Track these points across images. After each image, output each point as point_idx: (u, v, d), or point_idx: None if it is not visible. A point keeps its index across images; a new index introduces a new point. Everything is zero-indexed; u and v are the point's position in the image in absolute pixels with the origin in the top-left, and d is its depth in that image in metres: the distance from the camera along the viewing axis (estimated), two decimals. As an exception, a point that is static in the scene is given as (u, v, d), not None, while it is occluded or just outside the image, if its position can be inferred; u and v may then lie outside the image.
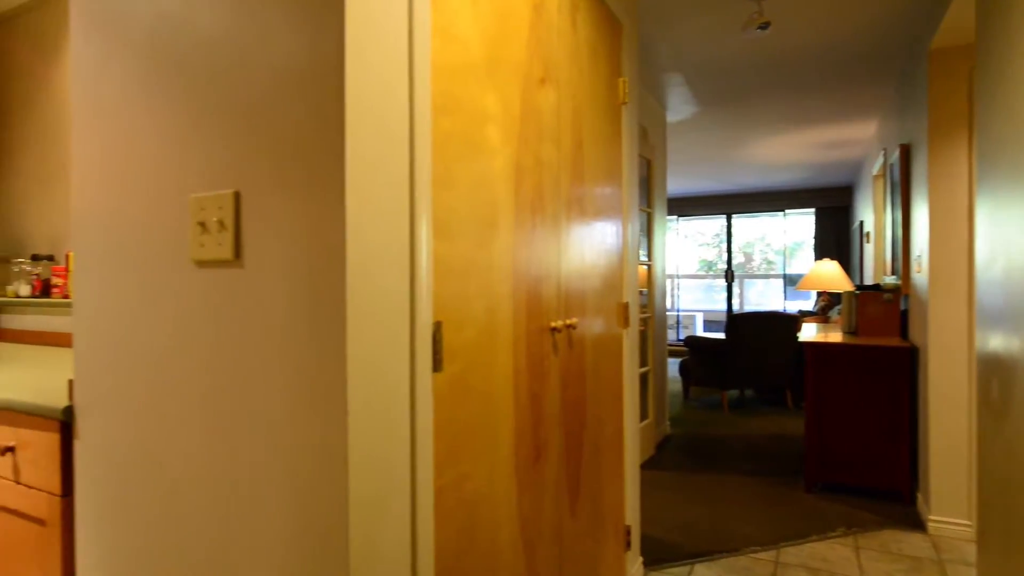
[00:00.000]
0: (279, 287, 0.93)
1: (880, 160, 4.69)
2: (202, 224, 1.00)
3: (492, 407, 1.26)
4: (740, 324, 5.28)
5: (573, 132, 1.69)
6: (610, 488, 1.97)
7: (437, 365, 1.07)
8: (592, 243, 1.83)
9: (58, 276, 2.50)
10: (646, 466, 3.82)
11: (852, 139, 5.63)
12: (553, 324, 1.54)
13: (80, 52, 1.21)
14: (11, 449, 1.34)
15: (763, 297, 10.41)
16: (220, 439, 1.00)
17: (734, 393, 6.24)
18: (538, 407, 1.47)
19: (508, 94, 1.34)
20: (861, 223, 6.70)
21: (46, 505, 1.28)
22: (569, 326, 1.63)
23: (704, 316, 10.59)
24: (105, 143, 1.17)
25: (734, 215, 9.71)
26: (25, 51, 2.82)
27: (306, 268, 0.90)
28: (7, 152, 2.91)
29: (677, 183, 8.45)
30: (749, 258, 10.87)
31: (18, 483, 1.34)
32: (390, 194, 0.96)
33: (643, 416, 3.98)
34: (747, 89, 4.15)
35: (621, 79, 2.11)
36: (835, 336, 3.50)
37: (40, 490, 1.29)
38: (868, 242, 5.91)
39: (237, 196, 0.97)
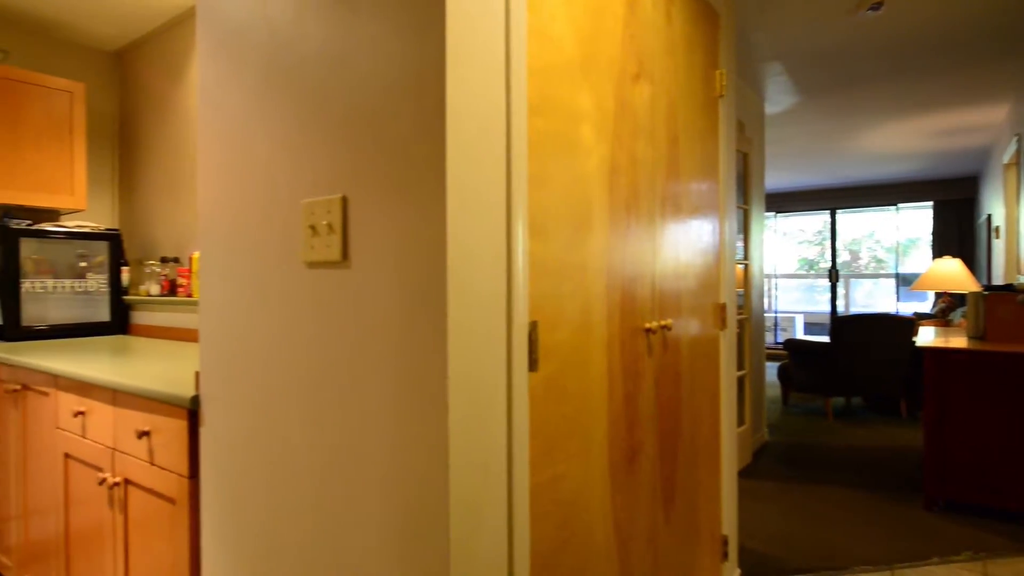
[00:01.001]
0: (383, 286, 0.97)
1: (1013, 147, 4.23)
2: (312, 227, 1.06)
3: (586, 408, 1.25)
4: (847, 327, 4.94)
5: (668, 128, 1.65)
6: (706, 495, 1.90)
7: (533, 365, 1.08)
8: (687, 242, 1.77)
9: (183, 277, 2.73)
10: (742, 474, 3.66)
11: (978, 125, 5.12)
12: (648, 325, 1.51)
13: (205, 72, 1.32)
14: (147, 433, 1.48)
15: (871, 298, 9.69)
16: (327, 432, 1.05)
17: (839, 400, 5.85)
18: (632, 409, 1.44)
19: (602, 92, 1.33)
20: (989, 217, 6.07)
21: (176, 485, 1.40)
22: (664, 327, 1.59)
23: (804, 318, 10.00)
24: (225, 154, 1.27)
25: (839, 210, 9.10)
26: (154, 73, 3.12)
27: (408, 268, 0.93)
28: (139, 166, 3.22)
29: (775, 178, 8.04)
30: (855, 256, 10.15)
31: (152, 464, 1.48)
32: (487, 195, 0.97)
33: (739, 422, 3.81)
34: (855, 75, 3.87)
35: (718, 71, 2.03)
36: (959, 341, 3.19)
37: (171, 471, 1.42)
38: (998, 237, 5.35)
39: (344, 200, 1.02)
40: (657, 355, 1.57)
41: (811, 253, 10.47)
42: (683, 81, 1.75)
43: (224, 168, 1.27)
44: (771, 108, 4.61)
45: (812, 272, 10.37)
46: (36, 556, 2.00)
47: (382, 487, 0.97)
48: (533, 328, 1.08)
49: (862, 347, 4.89)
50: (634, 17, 1.47)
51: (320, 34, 1.07)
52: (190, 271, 2.68)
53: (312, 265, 1.08)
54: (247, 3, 1.21)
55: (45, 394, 1.93)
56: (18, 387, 2.08)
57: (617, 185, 1.38)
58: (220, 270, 1.29)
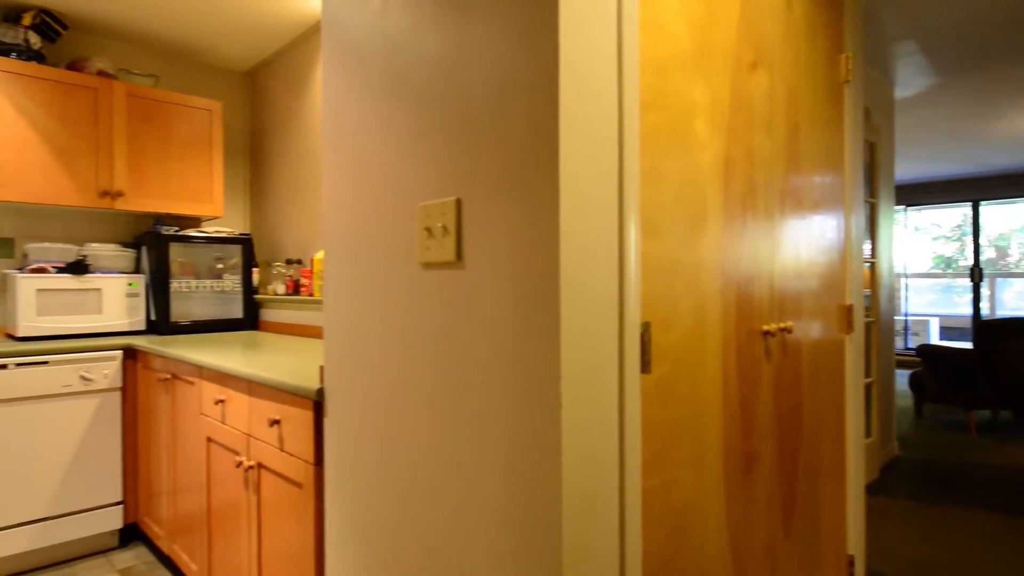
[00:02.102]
0: (496, 286, 0.98)
1: None
2: (428, 229, 1.10)
3: (700, 412, 1.21)
4: (994, 332, 4.42)
5: (788, 118, 1.55)
6: (829, 510, 1.77)
7: (645, 366, 1.05)
8: (809, 239, 1.66)
9: (305, 277, 2.94)
10: (869, 490, 3.38)
11: None
12: (766, 327, 1.42)
13: (328, 85, 1.41)
14: (277, 422, 1.61)
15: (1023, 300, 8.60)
16: (442, 426, 1.08)
17: (984, 414, 5.25)
18: (749, 415, 1.37)
19: (716, 83, 1.27)
20: None
21: (303, 471, 1.51)
22: (784, 330, 1.50)
23: (940, 321, 9.06)
24: (346, 161, 1.35)
25: (982, 202, 8.17)
26: (280, 89, 3.37)
27: (521, 268, 0.94)
28: (267, 175, 3.50)
29: (906, 168, 7.35)
30: (1003, 253, 9.05)
31: (282, 450, 1.59)
32: (599, 194, 0.96)
33: (866, 433, 3.52)
34: (999, 51, 3.45)
35: (843, 55, 1.88)
36: None
37: (298, 458, 1.52)
38: None
39: (458, 203, 1.05)
40: (776, 359, 1.48)
41: (948, 250, 9.46)
42: (804, 68, 1.64)
43: (345, 174, 1.35)
44: (901, 92, 4.22)
45: (949, 271, 9.37)
46: (183, 529, 2.22)
47: (496, 482, 0.98)
48: (646, 329, 1.05)
49: (1015, 355, 4.36)
50: (750, 3, 1.39)
51: (434, 41, 1.11)
52: (311, 272, 2.87)
53: (427, 266, 1.12)
54: (366, 18, 1.28)
55: (191, 383, 2.14)
56: (169, 376, 2.33)
57: (733, 180, 1.32)
58: (342, 271, 1.37)
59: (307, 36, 3.11)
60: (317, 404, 1.46)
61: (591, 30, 0.95)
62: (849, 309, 1.89)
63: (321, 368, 1.44)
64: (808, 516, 1.64)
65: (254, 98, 3.63)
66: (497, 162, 0.99)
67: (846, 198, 1.90)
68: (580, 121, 0.93)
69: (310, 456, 1.47)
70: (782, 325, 1.49)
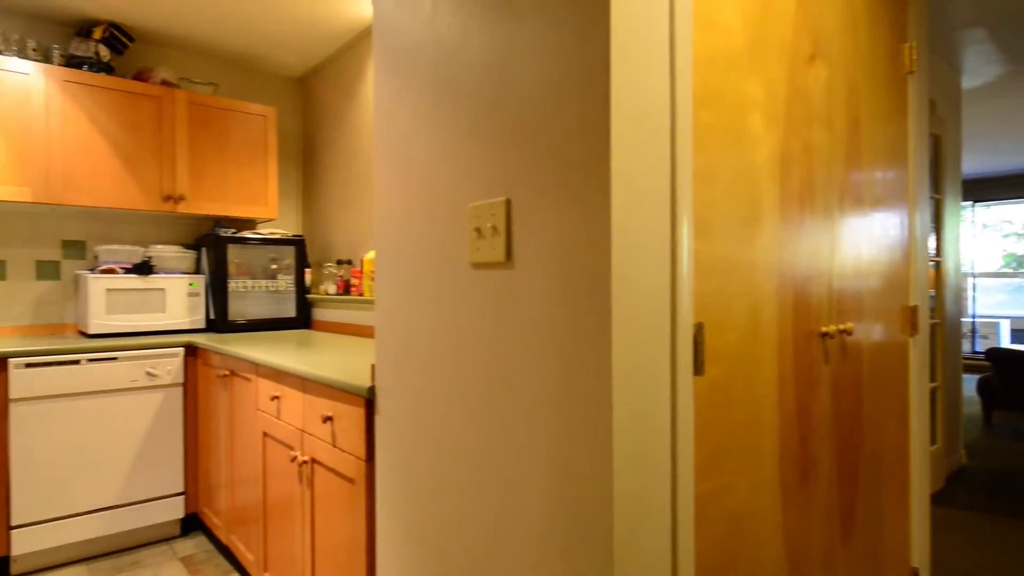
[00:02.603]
0: (546, 286, 0.98)
1: None
2: (478, 230, 1.11)
3: (755, 416, 1.17)
4: (1071, 335, 4.15)
5: (848, 111, 1.49)
6: (891, 520, 1.69)
7: (698, 368, 1.03)
8: (870, 237, 1.59)
9: (355, 277, 3.00)
10: (934, 500, 3.22)
11: None
12: (824, 329, 1.38)
13: (380, 89, 1.43)
14: (330, 418, 1.65)
15: (1105, 301, 8.04)
16: (491, 425, 1.09)
17: (1060, 422, 4.93)
18: (806, 420, 1.32)
19: (772, 77, 1.24)
20: None
21: (354, 467, 1.54)
22: (843, 331, 1.44)
23: (1011, 324, 8.56)
24: (397, 164, 1.37)
25: (1058, 197, 7.67)
26: (330, 94, 3.45)
27: (572, 268, 0.94)
28: (318, 177, 3.59)
29: (974, 162, 6.98)
30: (1082, 251, 8.48)
31: (335, 446, 1.63)
32: (652, 193, 0.95)
33: (931, 440, 3.36)
34: (1086, 34, 3.23)
35: (907, 45, 1.80)
36: None
37: (350, 454, 1.56)
38: None
39: (508, 203, 1.05)
40: (835, 362, 1.43)
41: (1020, 248, 8.93)
42: (865, 59, 1.58)
43: (396, 177, 1.37)
44: (969, 82, 4.01)
45: (1021, 270, 8.85)
46: (240, 520, 2.31)
47: (546, 482, 0.98)
48: (699, 329, 1.03)
49: (1094, 360, 4.08)
50: (808, -7, 1.35)
51: (484, 43, 1.11)
52: (361, 272, 2.93)
53: (477, 266, 1.12)
54: (417, 21, 1.29)
55: (248, 380, 2.22)
56: (227, 372, 2.42)
57: (789, 177, 1.28)
58: (393, 271, 1.39)
59: (356, 42, 3.18)
60: (368, 402, 1.49)
61: (643, 27, 0.93)
62: (913, 310, 1.81)
63: (372, 366, 1.47)
64: (869, 526, 1.57)
65: (306, 103, 3.73)
66: (547, 161, 0.98)
67: (910, 194, 1.82)
68: (632, 119, 0.91)
69: (362, 452, 1.50)
70: (841, 327, 1.43)
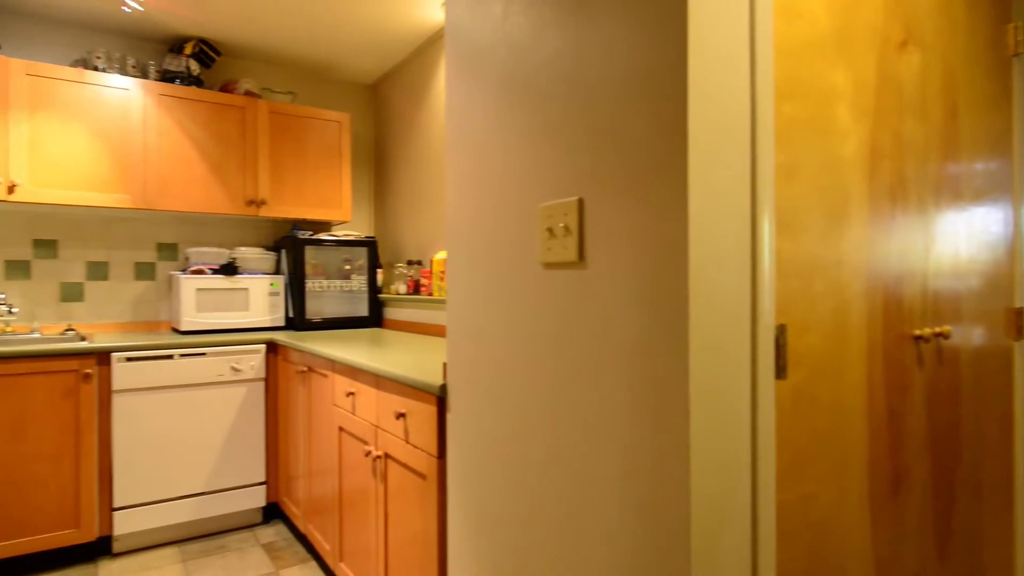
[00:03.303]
0: (620, 286, 0.97)
1: None
2: (549, 230, 1.11)
3: (841, 423, 1.12)
4: None
5: (944, 99, 1.39)
6: (993, 537, 1.57)
7: (780, 371, 0.99)
8: (970, 233, 1.48)
9: (425, 278, 3.06)
10: (1038, 519, 2.96)
11: None
12: (918, 332, 1.29)
13: (452, 92, 1.46)
14: (403, 415, 1.69)
15: None
16: (561, 427, 1.09)
17: None
18: (897, 428, 1.25)
19: (860, 66, 1.17)
20: None
21: (426, 462, 1.57)
22: (939, 335, 1.35)
23: None
24: (468, 166, 1.38)
25: None
26: (401, 99, 3.54)
27: (647, 268, 0.92)
28: (389, 180, 3.69)
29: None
30: None
31: (407, 442, 1.67)
32: (731, 190, 0.92)
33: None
34: None
35: (1011, 25, 1.66)
36: None
37: (422, 450, 1.59)
38: None
39: (581, 203, 1.05)
40: (930, 367, 1.34)
41: None
42: (963, 42, 1.47)
43: (467, 178, 1.39)
44: (1082, 63, 3.65)
45: None
46: (317, 510, 2.40)
47: (619, 487, 0.97)
48: (781, 332, 0.99)
49: None
50: (900, -25, 1.27)
51: (555, 43, 1.11)
52: (431, 272, 2.99)
53: (549, 266, 1.12)
54: (488, 24, 1.31)
55: (325, 376, 2.31)
56: (305, 369, 2.52)
57: (879, 170, 1.21)
58: (464, 271, 1.41)
59: (426, 47, 3.25)
60: (440, 399, 1.51)
61: (722, 18, 0.91)
62: (1018, 312, 1.67)
63: (444, 365, 1.50)
64: (967, 543, 1.46)
65: (378, 108, 3.85)
66: (621, 160, 0.97)
67: (1014, 187, 1.68)
68: (710, 114, 0.89)
69: (433, 449, 1.53)
70: (937, 329, 1.34)
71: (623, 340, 0.96)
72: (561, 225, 1.08)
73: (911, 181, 1.29)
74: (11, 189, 2.58)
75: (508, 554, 1.23)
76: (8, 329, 2.82)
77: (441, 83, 3.14)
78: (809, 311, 1.05)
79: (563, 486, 1.08)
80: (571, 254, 1.05)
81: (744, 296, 0.93)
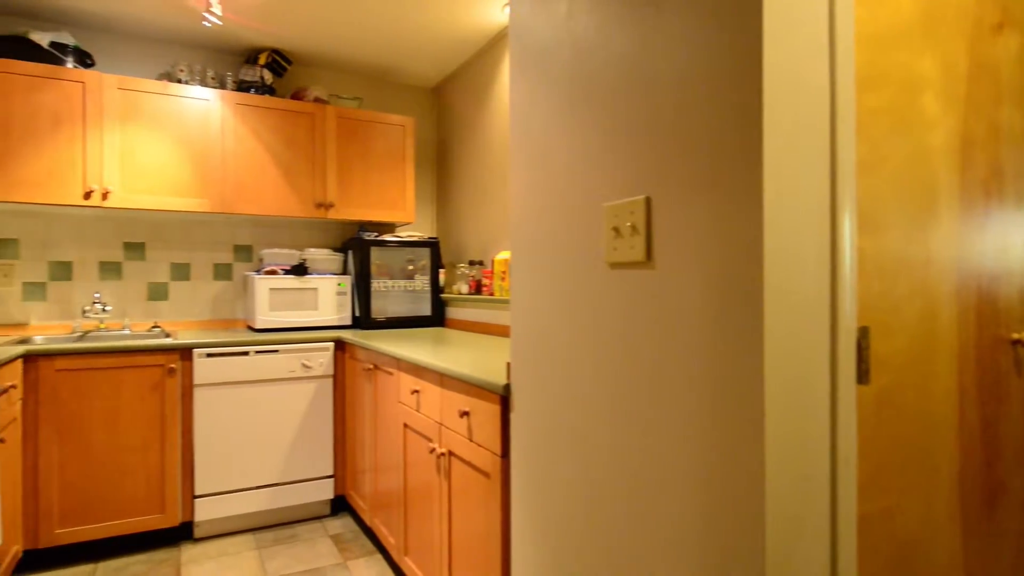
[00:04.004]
0: (690, 286, 0.94)
1: None
2: (616, 229, 1.09)
3: (929, 432, 1.05)
4: None
5: (1045, 85, 1.29)
6: (1103, 563, 1.44)
7: (862, 376, 0.94)
8: (1075, 229, 1.36)
9: (486, 278, 3.09)
10: None
11: None
12: (1016, 335, 1.20)
13: (515, 93, 1.46)
14: (467, 413, 1.71)
15: None
16: (626, 430, 1.07)
17: None
18: (992, 438, 1.16)
19: (950, 52, 1.10)
20: None
21: (490, 461, 1.58)
22: (1039, 339, 1.25)
23: None
24: (532, 166, 1.39)
25: None
26: (463, 102, 3.58)
27: (719, 268, 0.89)
28: (451, 182, 3.74)
29: None
30: None
31: (471, 440, 1.69)
32: (808, 186, 0.88)
33: None
34: None
35: (1124, 0, 1.52)
36: None
37: (486, 448, 1.61)
38: None
39: (648, 201, 1.03)
40: (1029, 374, 1.24)
41: None
42: (1069, 21, 1.35)
43: (531, 178, 1.39)
44: None
45: None
46: (382, 504, 2.46)
47: (688, 493, 0.95)
48: (862, 334, 0.94)
49: None
50: (996, -47, 1.18)
51: (621, 40, 1.09)
52: (492, 272, 3.01)
53: (615, 266, 1.11)
54: (552, 23, 1.30)
55: (390, 373, 2.37)
56: (371, 366, 2.59)
57: (971, 162, 1.13)
58: (528, 271, 1.41)
59: (488, 48, 3.27)
60: (504, 399, 1.52)
61: (799, 7, 0.87)
62: None
63: (508, 364, 1.50)
64: (1073, 566, 1.35)
65: (440, 111, 3.91)
66: (690, 157, 0.95)
67: None
68: (786, 107, 0.85)
69: (497, 448, 1.54)
70: (1038, 333, 1.24)
71: (693, 342, 0.94)
72: (628, 224, 1.06)
73: (1008, 173, 1.20)
74: (105, 196, 2.77)
75: (572, 557, 1.23)
76: (102, 326, 3.04)
77: (502, 84, 3.16)
78: (893, 313, 0.99)
79: (630, 493, 1.07)
80: (638, 254, 1.04)
81: (823, 297, 0.89)
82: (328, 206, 3.28)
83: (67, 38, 2.81)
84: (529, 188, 1.40)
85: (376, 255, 3.33)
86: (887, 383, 0.98)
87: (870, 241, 0.96)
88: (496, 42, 3.19)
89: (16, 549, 2.29)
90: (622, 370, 1.09)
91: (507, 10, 2.85)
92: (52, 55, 2.73)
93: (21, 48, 2.66)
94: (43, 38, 2.73)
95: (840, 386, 0.90)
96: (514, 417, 1.46)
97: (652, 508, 1.02)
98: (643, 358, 1.04)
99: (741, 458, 0.85)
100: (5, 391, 2.02)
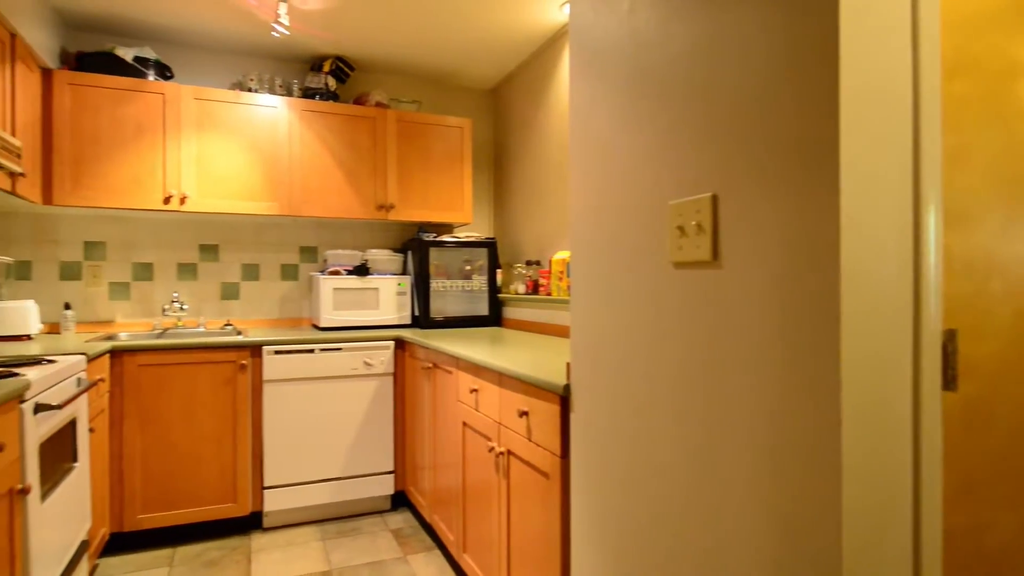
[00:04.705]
0: (759, 287, 0.91)
1: None
2: (680, 228, 1.07)
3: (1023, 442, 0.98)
4: None
5: None
6: None
7: (949, 382, 0.88)
8: None
9: (543, 278, 3.08)
10: None
11: None
12: (1125, 340, 1.10)
13: (575, 92, 1.45)
14: (526, 413, 1.71)
15: None
16: (691, 435, 1.04)
17: None
18: (1097, 452, 1.07)
19: (1049, 33, 1.02)
20: None
21: (549, 462, 1.58)
22: None
23: None
24: (593, 165, 1.37)
25: None
26: (520, 102, 3.59)
27: (791, 267, 0.86)
28: (508, 182, 3.76)
29: None
30: None
31: (530, 440, 1.69)
32: (890, 179, 0.83)
33: None
34: None
35: None
36: None
37: (545, 449, 1.60)
38: None
39: (715, 199, 1.00)
40: None
41: None
42: None
43: (592, 177, 1.38)
44: None
45: None
46: (441, 501, 2.50)
47: (757, 504, 0.91)
48: (949, 337, 0.88)
49: None
50: (1102, -76, 1.09)
51: (685, 34, 1.07)
52: (549, 272, 3.01)
53: (679, 265, 1.08)
54: (614, 20, 1.29)
55: (449, 372, 2.40)
56: (430, 365, 2.63)
57: (1073, 153, 1.04)
58: (588, 271, 1.40)
59: (544, 48, 3.27)
60: (563, 399, 1.52)
61: (879, -8, 0.82)
62: None
63: (568, 365, 1.50)
64: None
65: (497, 112, 3.93)
66: (759, 152, 0.91)
67: None
68: (865, 96, 0.81)
69: (556, 448, 1.54)
70: None
71: (762, 345, 0.90)
72: (693, 223, 1.04)
73: (1116, 163, 1.10)
74: (183, 200, 2.93)
75: (633, 561, 1.21)
76: (180, 323, 3.21)
77: (560, 84, 3.15)
78: (984, 315, 0.93)
79: (695, 500, 1.04)
80: (704, 253, 1.01)
81: (905, 297, 0.84)
82: (389, 207, 3.35)
83: (149, 52, 2.99)
84: (590, 187, 1.39)
85: (435, 255, 3.38)
86: (977, 390, 0.92)
87: (958, 238, 0.90)
88: (553, 41, 3.18)
89: (104, 531, 2.45)
90: (687, 374, 1.06)
91: (566, 9, 2.83)
92: (136, 69, 2.90)
93: (109, 63, 2.85)
94: (127, 53, 2.91)
95: (924, 392, 0.85)
96: (574, 418, 1.45)
97: (718, 521, 0.99)
98: (709, 361, 1.01)
99: (815, 469, 0.82)
100: (95, 384, 2.16)
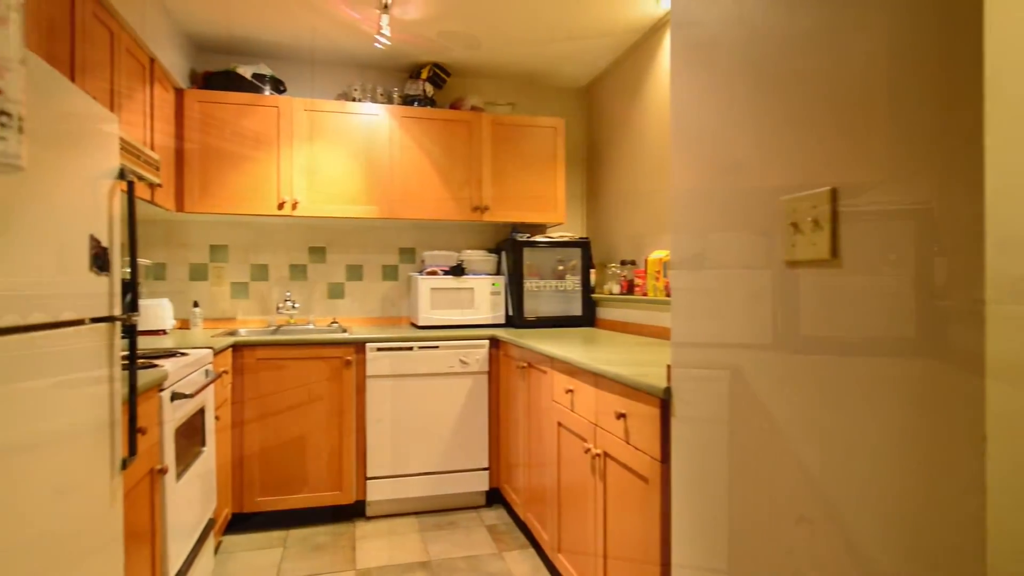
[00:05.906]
0: (885, 288, 0.84)
1: None
2: (794, 225, 1.01)
3: None
4: None
5: None
6: None
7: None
8: None
9: (639, 278, 3.02)
10: None
11: None
12: None
13: (677, 86, 1.41)
14: (623, 415, 1.68)
15: None
16: (803, 444, 0.98)
17: None
18: None
19: None
20: None
21: (648, 466, 1.54)
22: None
23: None
24: (697, 159, 1.32)
25: None
26: (613, 100, 3.54)
27: (923, 266, 0.79)
28: (602, 181, 3.71)
29: None
30: None
31: (627, 443, 1.66)
32: (1046, 168, 0.74)
33: None
34: None
35: None
36: None
37: (644, 452, 1.57)
38: None
39: (833, 193, 0.94)
40: None
41: None
42: None
43: (695, 173, 1.33)
44: None
45: None
46: (535, 499, 2.51)
47: (877, 520, 0.84)
48: (1121, 345, 0.77)
49: None
50: None
51: (799, 21, 1.01)
52: (645, 272, 2.94)
53: (793, 264, 1.02)
54: (717, 9, 1.24)
55: (544, 372, 2.40)
56: (525, 364, 2.65)
57: None
58: (691, 271, 1.35)
59: (639, 44, 3.20)
60: (664, 402, 1.48)
61: (1034, -42, 0.74)
62: None
63: (668, 367, 1.46)
64: None
65: (590, 111, 3.90)
66: (885, 142, 0.84)
67: None
68: (1015, 75, 0.73)
69: (656, 452, 1.50)
70: None
71: (885, 349, 0.83)
72: (809, 219, 0.98)
73: None
74: (295, 206, 3.13)
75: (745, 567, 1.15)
76: (292, 321, 3.43)
77: (656, 79, 3.07)
78: None
79: (808, 516, 0.98)
80: (821, 251, 0.95)
81: (1066, 300, 0.75)
82: (483, 209, 3.41)
83: (264, 69, 3.22)
84: (693, 183, 1.34)
85: (528, 256, 3.40)
86: None
87: None
88: (649, 36, 3.11)
89: (227, 511, 2.67)
90: (797, 379, 1.00)
91: (664, 1, 2.76)
92: (254, 85, 3.14)
93: (231, 81, 3.09)
94: (247, 71, 3.15)
95: (1090, 407, 0.75)
96: (675, 423, 1.41)
97: (839, 539, 0.92)
98: (823, 365, 0.95)
99: (951, 483, 0.74)
100: (220, 375, 2.36)
